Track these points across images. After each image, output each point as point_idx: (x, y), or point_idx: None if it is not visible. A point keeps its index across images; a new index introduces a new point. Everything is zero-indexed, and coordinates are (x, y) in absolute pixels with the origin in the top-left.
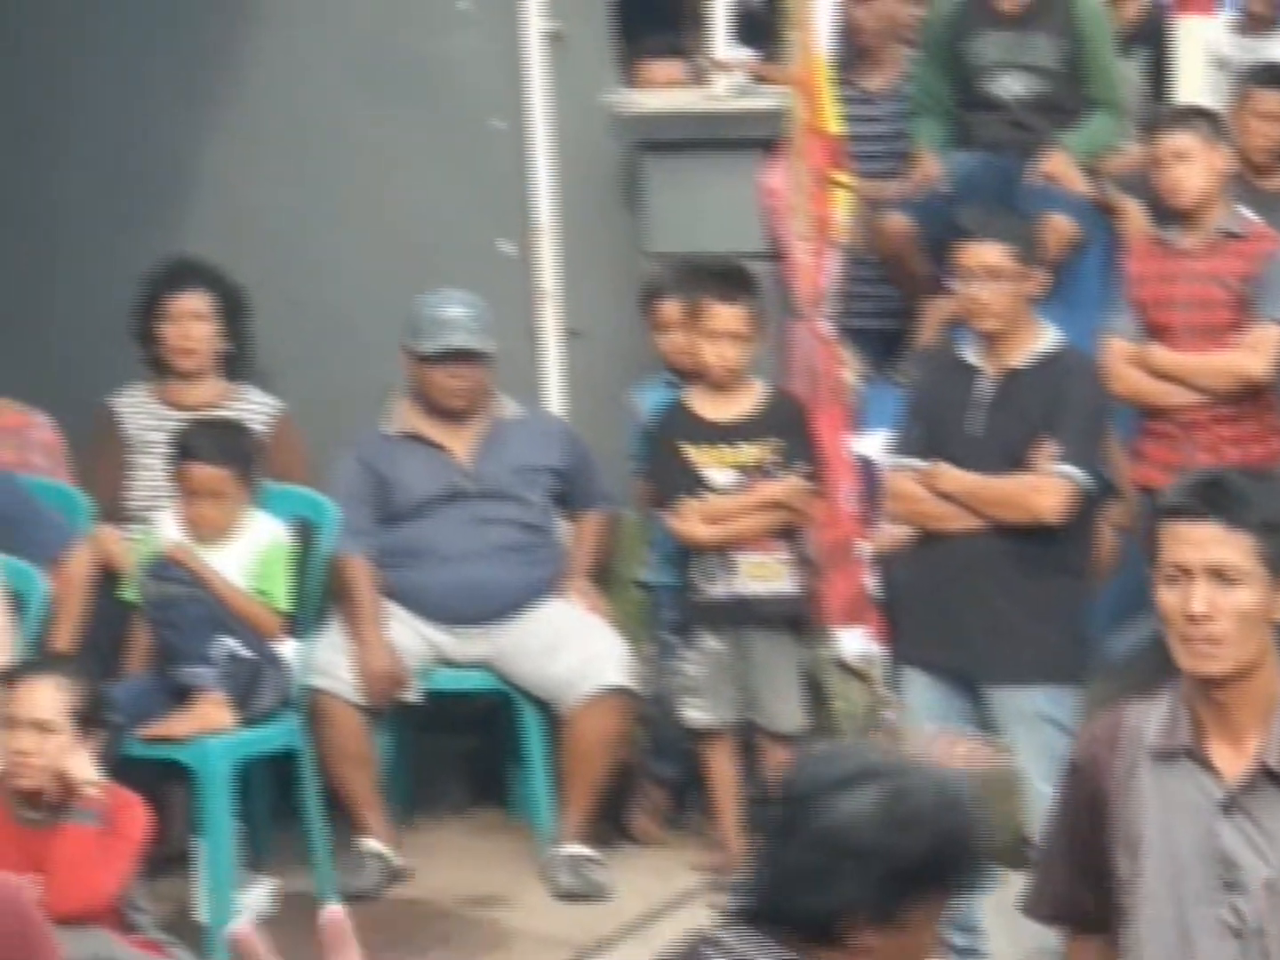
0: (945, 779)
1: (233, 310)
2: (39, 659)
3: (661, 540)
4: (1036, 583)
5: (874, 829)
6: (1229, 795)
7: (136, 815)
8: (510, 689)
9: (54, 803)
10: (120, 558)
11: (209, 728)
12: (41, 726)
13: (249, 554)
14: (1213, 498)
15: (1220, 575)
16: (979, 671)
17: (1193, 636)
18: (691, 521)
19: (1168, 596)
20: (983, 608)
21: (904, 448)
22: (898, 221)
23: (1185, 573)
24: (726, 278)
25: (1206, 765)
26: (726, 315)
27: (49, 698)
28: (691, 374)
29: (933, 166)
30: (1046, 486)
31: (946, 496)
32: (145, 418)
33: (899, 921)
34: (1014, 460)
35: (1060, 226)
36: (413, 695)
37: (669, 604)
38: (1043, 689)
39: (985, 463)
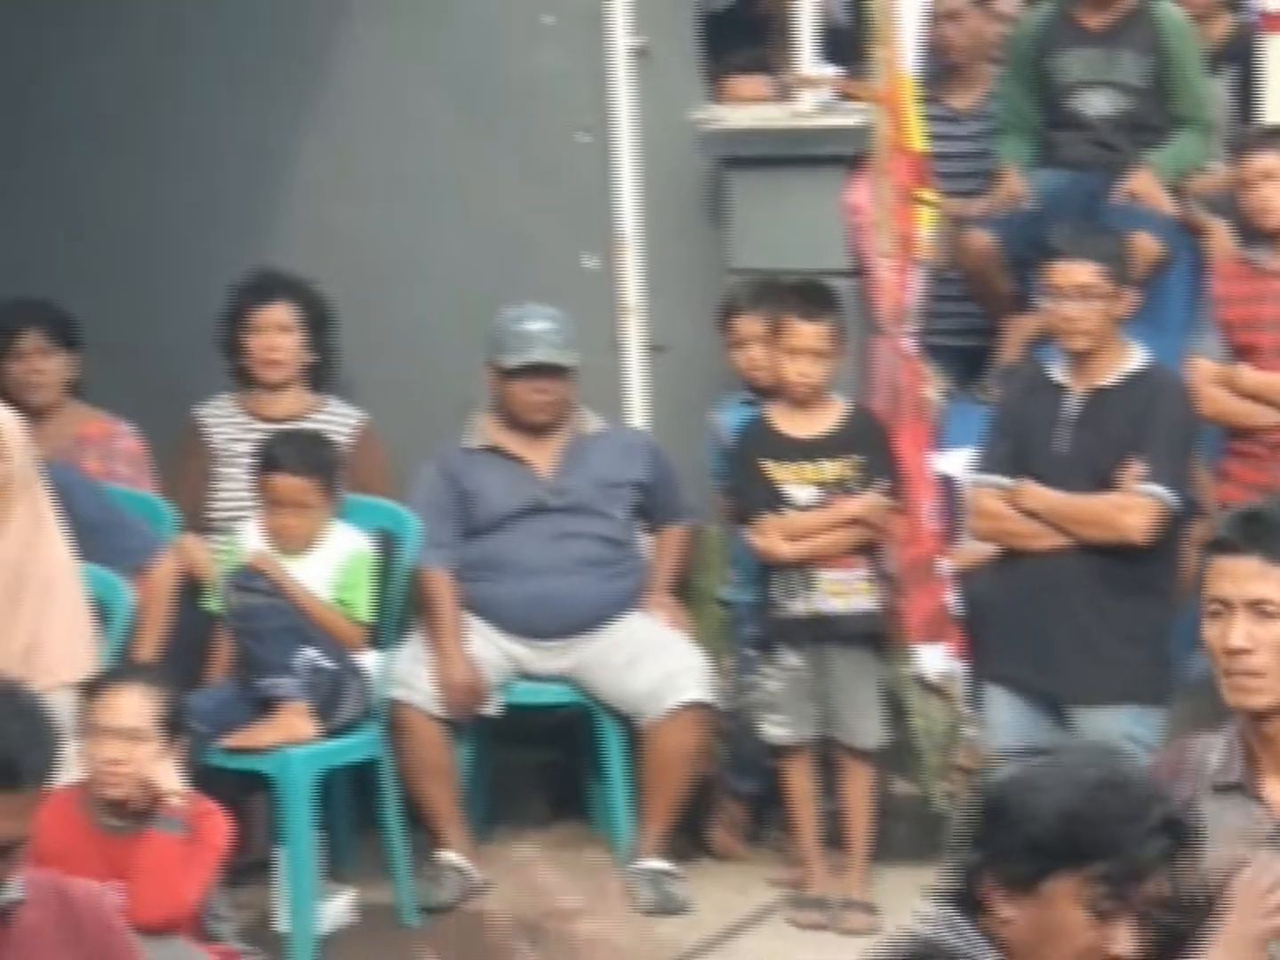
0: (1109, 760)
1: (318, 322)
2: (124, 667)
3: (743, 557)
4: (1122, 602)
5: (1010, 791)
6: (1277, 827)
7: (218, 824)
8: (590, 702)
9: (138, 811)
10: (203, 567)
11: (291, 738)
12: (130, 735)
13: (331, 565)
14: (1252, 532)
15: (1259, 609)
16: (1064, 691)
17: (1233, 670)
18: (772, 538)
19: (1209, 630)
20: (1068, 627)
21: (989, 465)
22: (981, 239)
23: (1226, 606)
24: (808, 295)
25: (1257, 797)
26: (808, 332)
27: (137, 706)
28: (769, 390)
29: (1017, 184)
30: (1133, 506)
31: (1031, 514)
32: (230, 428)
33: (1034, 894)
34: (1100, 479)
35: (1145, 246)
36: (493, 708)
37: (749, 620)
38: (1128, 709)
39: (1071, 481)
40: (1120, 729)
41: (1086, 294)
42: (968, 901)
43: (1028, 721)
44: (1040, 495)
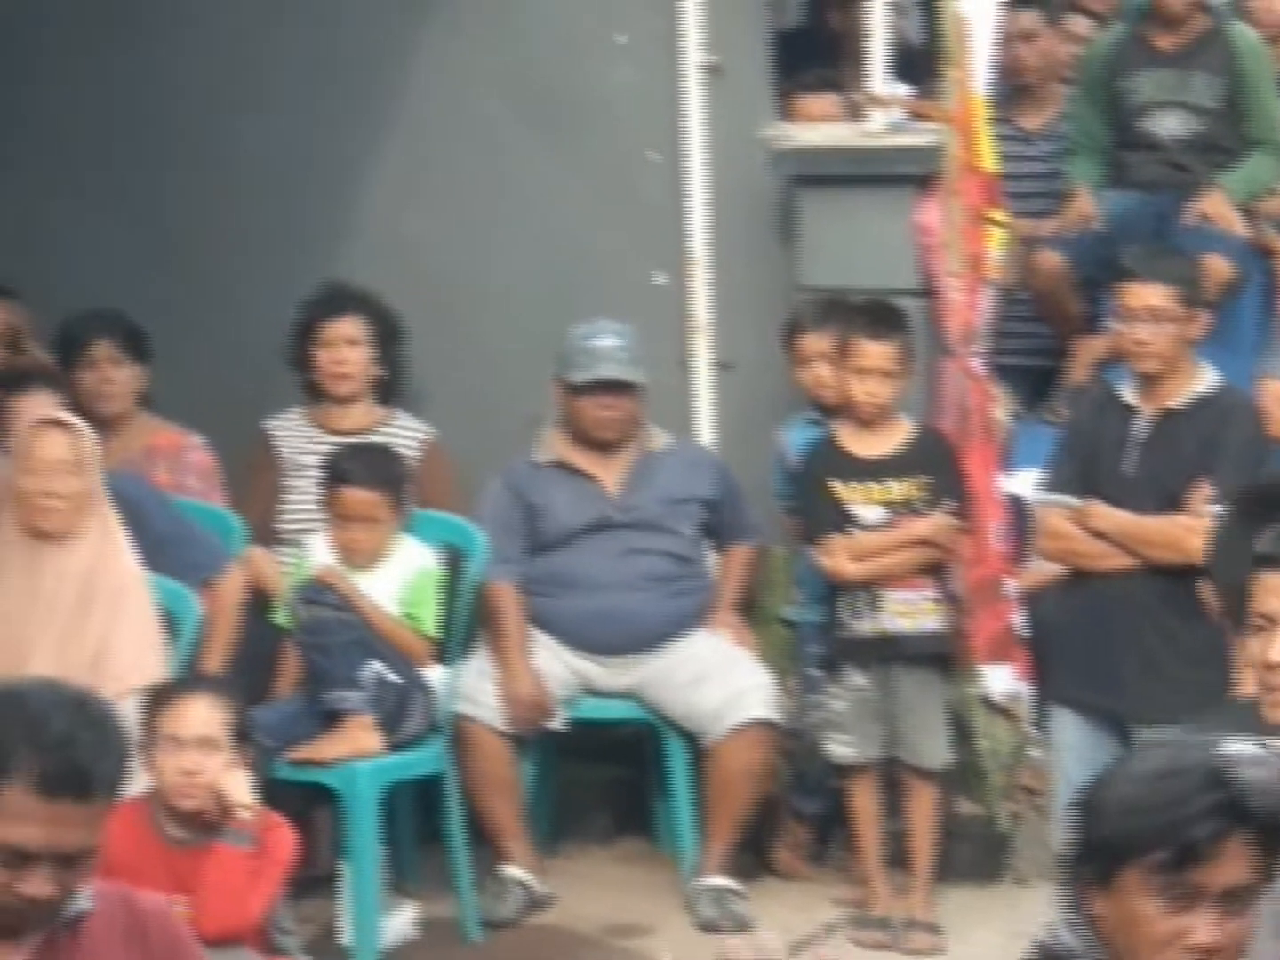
0: (1176, 750)
1: (387, 336)
2: (192, 677)
3: (808, 576)
4: (1188, 623)
5: (1088, 790)
6: None
7: (284, 838)
8: (655, 719)
9: (206, 823)
10: (271, 580)
11: (357, 752)
12: (204, 745)
13: (398, 579)
14: None
15: None
16: (1130, 712)
17: (1273, 685)
18: (839, 557)
19: (1252, 644)
20: (1135, 648)
21: (1057, 485)
22: (1051, 259)
23: (1270, 622)
24: (876, 315)
25: None
26: (876, 352)
27: (208, 715)
28: (834, 410)
29: (1088, 205)
30: (1201, 527)
31: (1099, 535)
32: (300, 441)
33: (1113, 889)
34: (1169, 501)
35: (1217, 268)
36: (558, 723)
37: (815, 640)
38: None
39: (1139, 502)
40: None
41: (1157, 316)
42: (1078, 904)
43: (1093, 743)
44: (1108, 516)
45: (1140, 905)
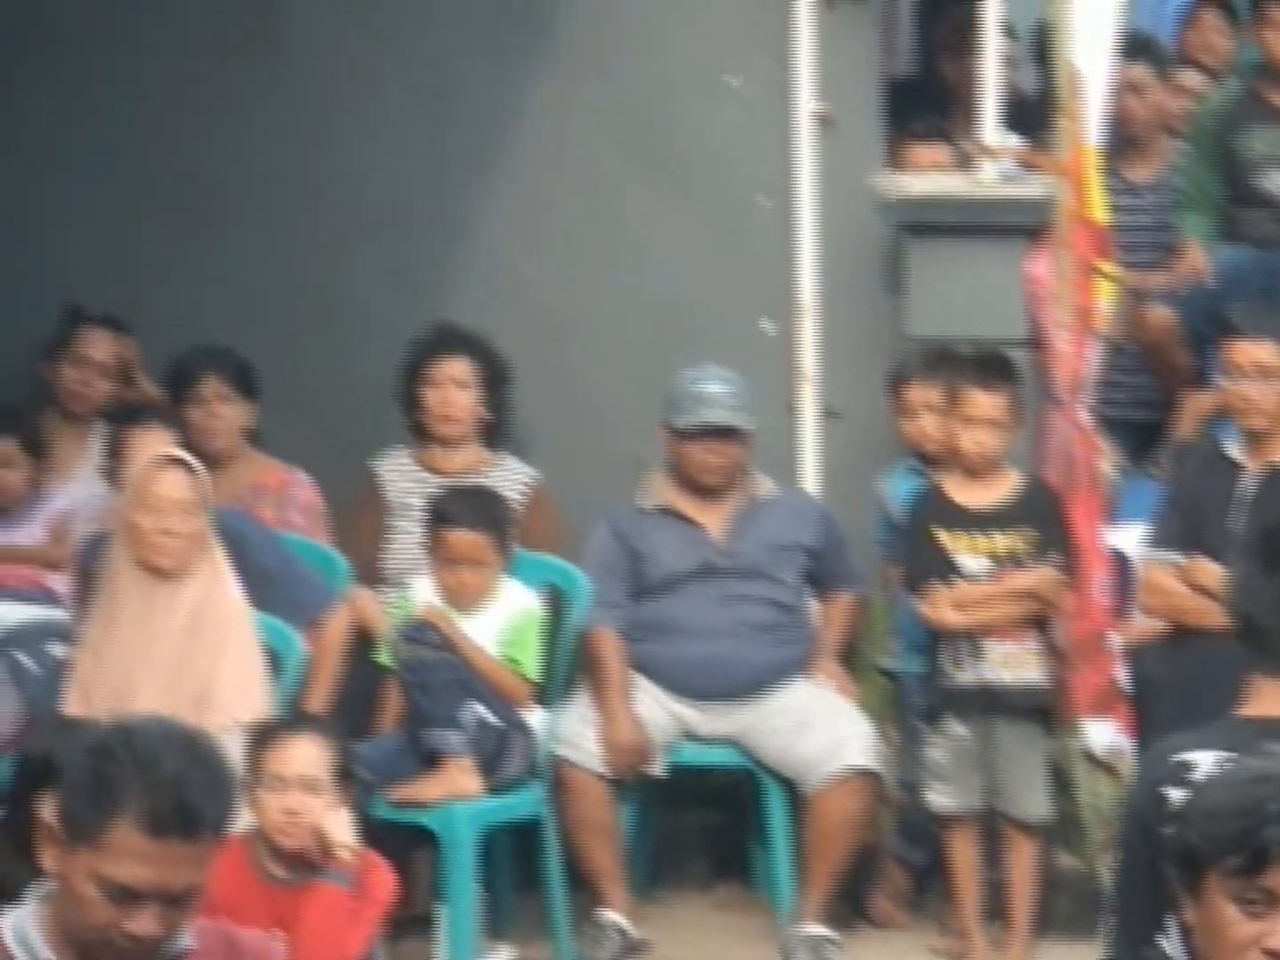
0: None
1: (496, 379)
2: (298, 717)
3: (908, 626)
4: None
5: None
6: None
7: (383, 879)
8: (755, 766)
9: (309, 862)
10: (375, 620)
11: (456, 793)
12: (307, 785)
13: (501, 621)
14: None
15: None
16: None
17: None
18: (942, 607)
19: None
20: (1237, 703)
21: (1162, 541)
22: (1161, 314)
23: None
24: (986, 365)
25: None
26: (985, 403)
27: (313, 756)
28: (936, 459)
29: (1199, 260)
30: None
31: (1204, 592)
32: (405, 481)
33: (1198, 896)
34: None
35: None
36: (658, 769)
37: (917, 690)
38: None
39: None
40: None
41: (1265, 373)
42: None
43: None
44: (1213, 572)
45: (1221, 910)
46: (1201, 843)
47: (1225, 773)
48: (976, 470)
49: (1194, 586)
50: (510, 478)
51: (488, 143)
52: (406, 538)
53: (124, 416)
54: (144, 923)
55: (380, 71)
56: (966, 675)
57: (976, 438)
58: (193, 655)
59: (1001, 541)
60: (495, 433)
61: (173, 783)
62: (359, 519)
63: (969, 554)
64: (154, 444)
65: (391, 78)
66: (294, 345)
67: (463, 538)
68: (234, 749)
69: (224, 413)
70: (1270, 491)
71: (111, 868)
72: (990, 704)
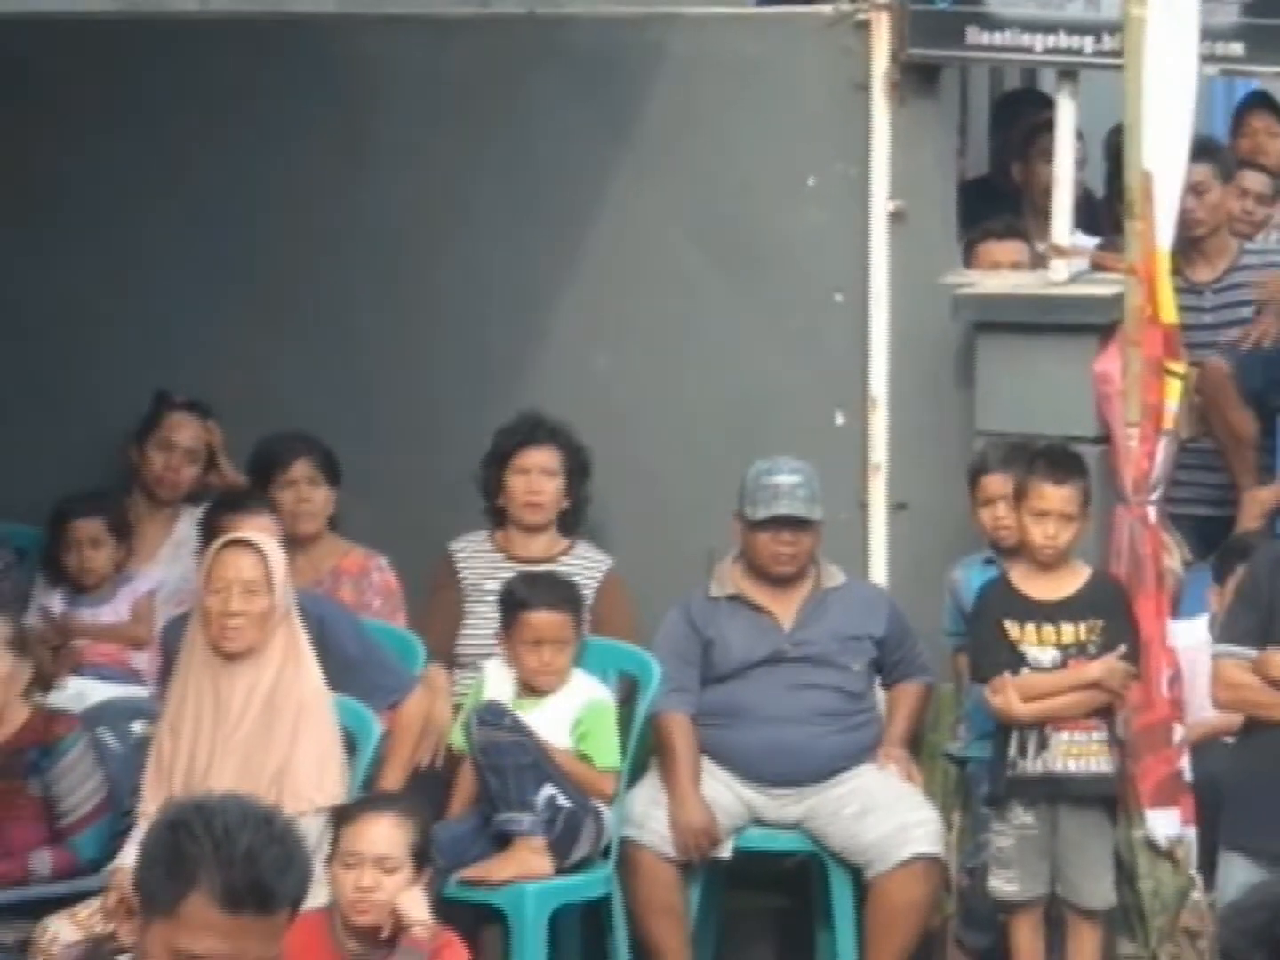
0: None
1: (578, 469)
2: (377, 797)
3: (975, 713)
4: None
5: None
6: None
7: (457, 955)
8: (821, 851)
9: (384, 939)
10: (441, 705)
11: (526, 874)
12: (383, 864)
13: (571, 711)
14: None
15: None
16: None
17: None
18: (1010, 697)
19: None
20: None
21: (1233, 636)
22: (1218, 366)
23: None
24: (1057, 458)
25: None
26: (1055, 496)
27: (389, 835)
28: (1011, 550)
29: (1273, 325)
30: None
31: (1278, 685)
32: (482, 565)
33: None
34: None
35: None
36: (725, 852)
37: (983, 778)
38: None
39: None
40: None
41: None
42: None
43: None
44: None
45: None
46: (1233, 939)
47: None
48: (1047, 563)
49: (1268, 680)
50: (585, 564)
51: (568, 240)
52: (481, 621)
53: (226, 503)
54: None
55: (465, 174)
56: (1033, 764)
57: (1047, 531)
58: (267, 738)
59: (1069, 633)
60: (571, 521)
61: (247, 859)
62: (435, 598)
63: (1037, 645)
64: (257, 529)
65: (475, 180)
66: (374, 433)
67: (545, 618)
68: (312, 828)
69: (313, 497)
70: None
71: (186, 940)
72: (1056, 793)
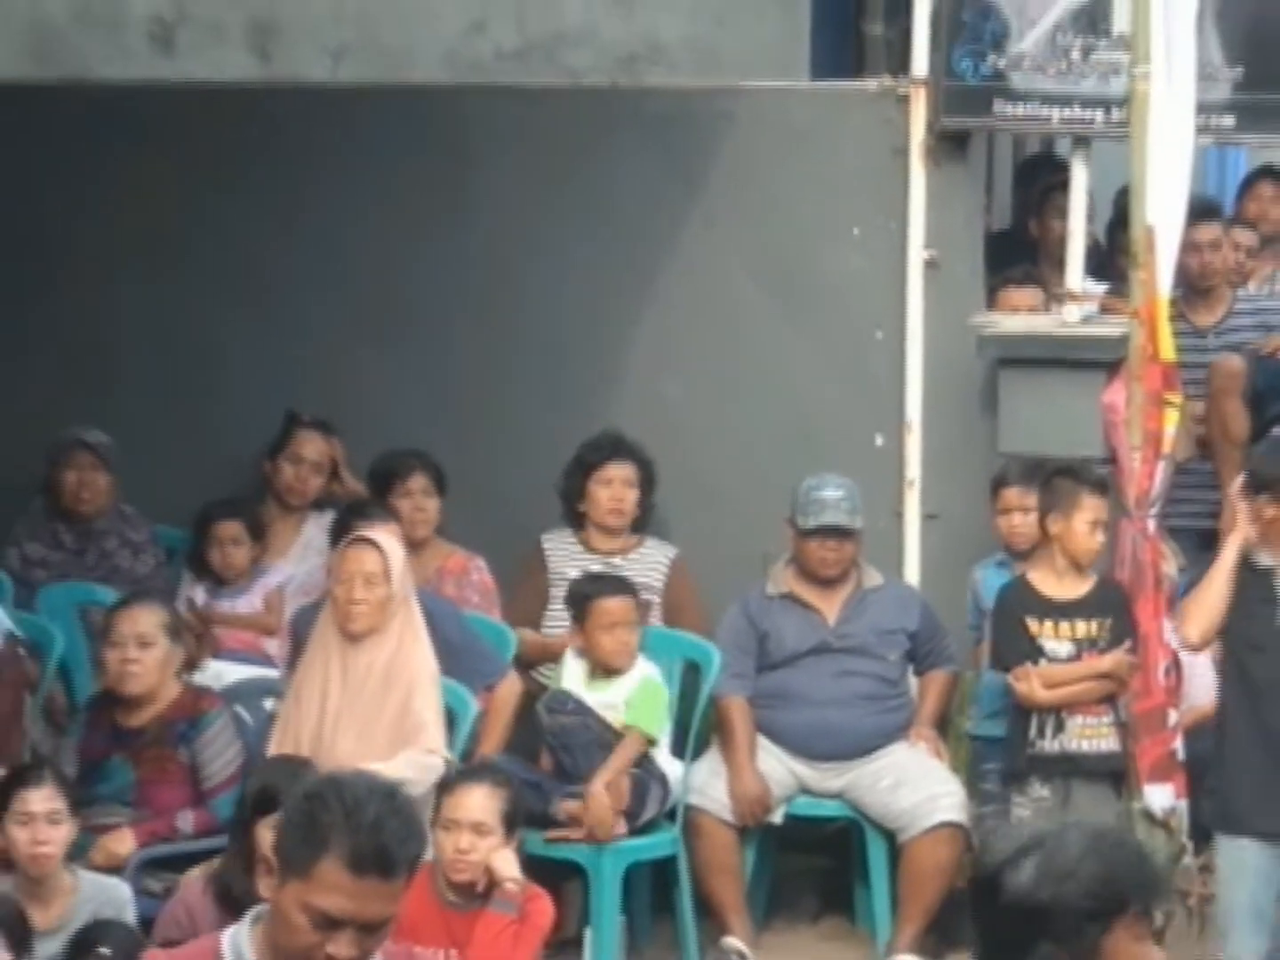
0: (1098, 829)
1: (648, 480)
2: (473, 767)
3: (986, 695)
4: None
5: (1038, 891)
6: None
7: (544, 908)
8: (859, 818)
9: (479, 892)
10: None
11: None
12: (478, 829)
13: (628, 688)
14: None
15: None
16: None
17: None
18: (1033, 685)
19: None
20: None
21: None
22: (1231, 362)
23: None
24: (1098, 477)
25: None
26: (1101, 507)
27: (483, 803)
28: (1022, 553)
29: None
30: None
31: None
32: (566, 555)
33: (1101, 955)
34: None
35: None
36: (776, 818)
37: (990, 756)
38: None
39: None
40: None
41: None
42: None
43: (1267, 861)
44: None
45: (1134, 952)
46: (1112, 901)
47: (1067, 859)
48: (1085, 564)
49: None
50: (654, 555)
51: (642, 280)
52: (561, 606)
53: (355, 511)
54: (343, 947)
55: (554, 221)
56: (1050, 744)
57: (1099, 536)
58: (383, 705)
59: (1082, 629)
60: (641, 522)
61: (373, 828)
62: (525, 580)
63: (1054, 639)
64: (380, 534)
65: (563, 226)
66: (469, 447)
67: (616, 603)
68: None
69: (426, 506)
70: None
71: (318, 898)
72: (1070, 769)
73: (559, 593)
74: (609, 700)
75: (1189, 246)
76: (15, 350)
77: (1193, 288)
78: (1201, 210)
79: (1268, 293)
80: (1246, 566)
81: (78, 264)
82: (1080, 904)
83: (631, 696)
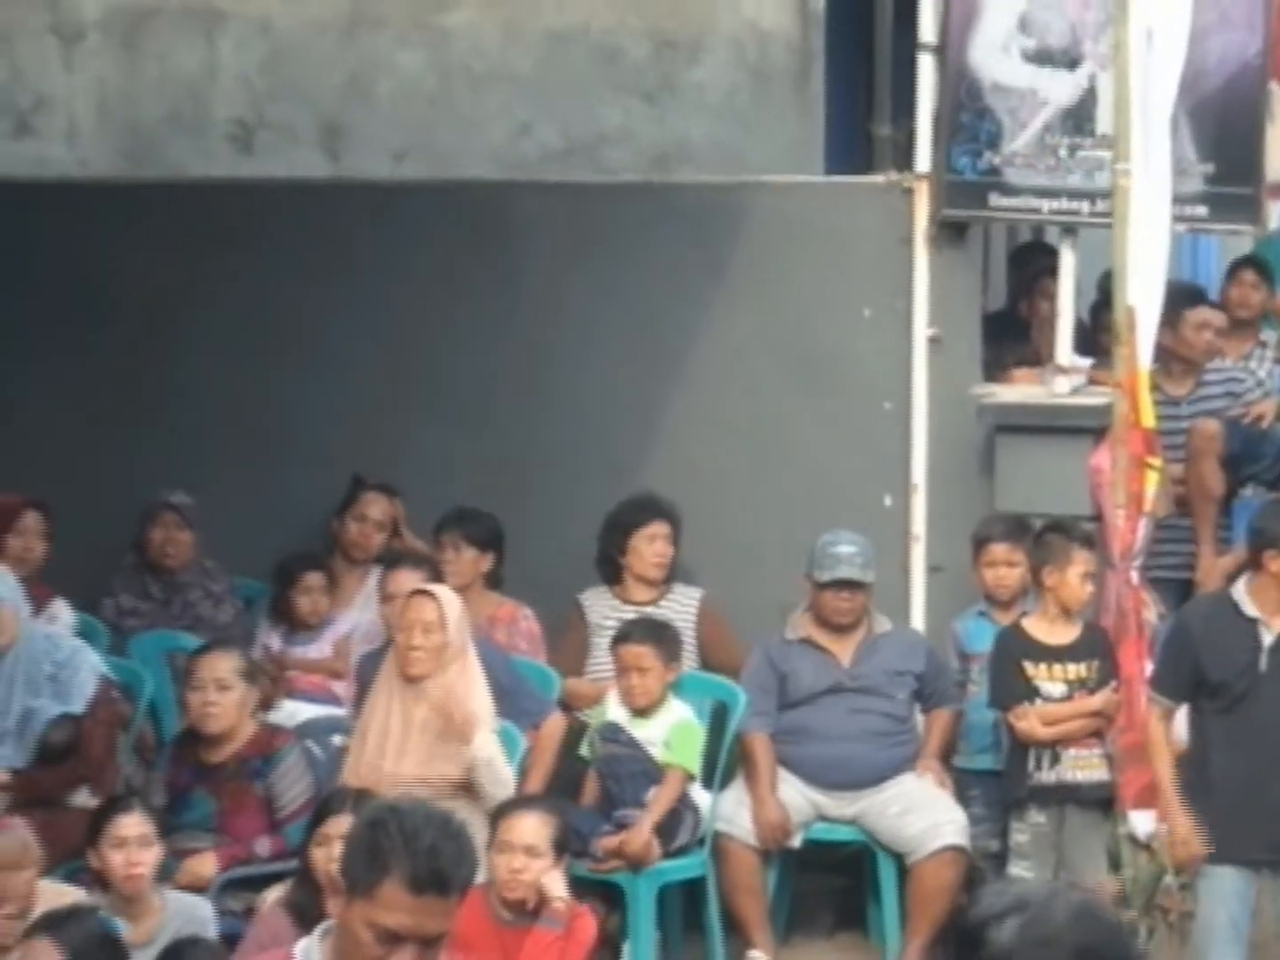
0: (1084, 900)
1: (678, 536)
2: (524, 798)
3: (974, 732)
4: None
5: (1017, 954)
6: None
7: (588, 924)
8: (871, 842)
9: (529, 910)
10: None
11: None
12: (530, 851)
13: (664, 727)
14: None
15: None
16: None
17: None
18: (1032, 722)
19: None
20: None
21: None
22: (1209, 425)
23: None
24: (1089, 534)
25: None
26: (1091, 560)
27: (535, 828)
28: (1003, 603)
29: (1270, 409)
30: None
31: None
32: (604, 608)
33: None
34: None
35: None
36: (796, 842)
37: (974, 786)
38: None
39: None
40: None
41: None
42: None
43: (1243, 884)
44: None
45: None
46: None
47: (1051, 927)
48: (1078, 611)
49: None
50: (683, 600)
51: (674, 355)
52: (602, 655)
53: (391, 562)
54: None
55: (595, 302)
56: (1047, 775)
57: (1088, 587)
58: (441, 742)
59: (1073, 671)
60: (670, 572)
61: (430, 853)
62: (568, 638)
63: (1048, 680)
64: (411, 582)
65: (603, 308)
66: (516, 507)
67: (630, 649)
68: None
69: (458, 559)
70: None
71: (381, 916)
72: (1065, 797)
73: (599, 642)
74: (648, 736)
75: (1198, 326)
76: (110, 422)
77: (1180, 361)
78: (1190, 294)
79: (1242, 366)
80: (1235, 613)
81: (165, 344)
82: None
83: (670, 737)
